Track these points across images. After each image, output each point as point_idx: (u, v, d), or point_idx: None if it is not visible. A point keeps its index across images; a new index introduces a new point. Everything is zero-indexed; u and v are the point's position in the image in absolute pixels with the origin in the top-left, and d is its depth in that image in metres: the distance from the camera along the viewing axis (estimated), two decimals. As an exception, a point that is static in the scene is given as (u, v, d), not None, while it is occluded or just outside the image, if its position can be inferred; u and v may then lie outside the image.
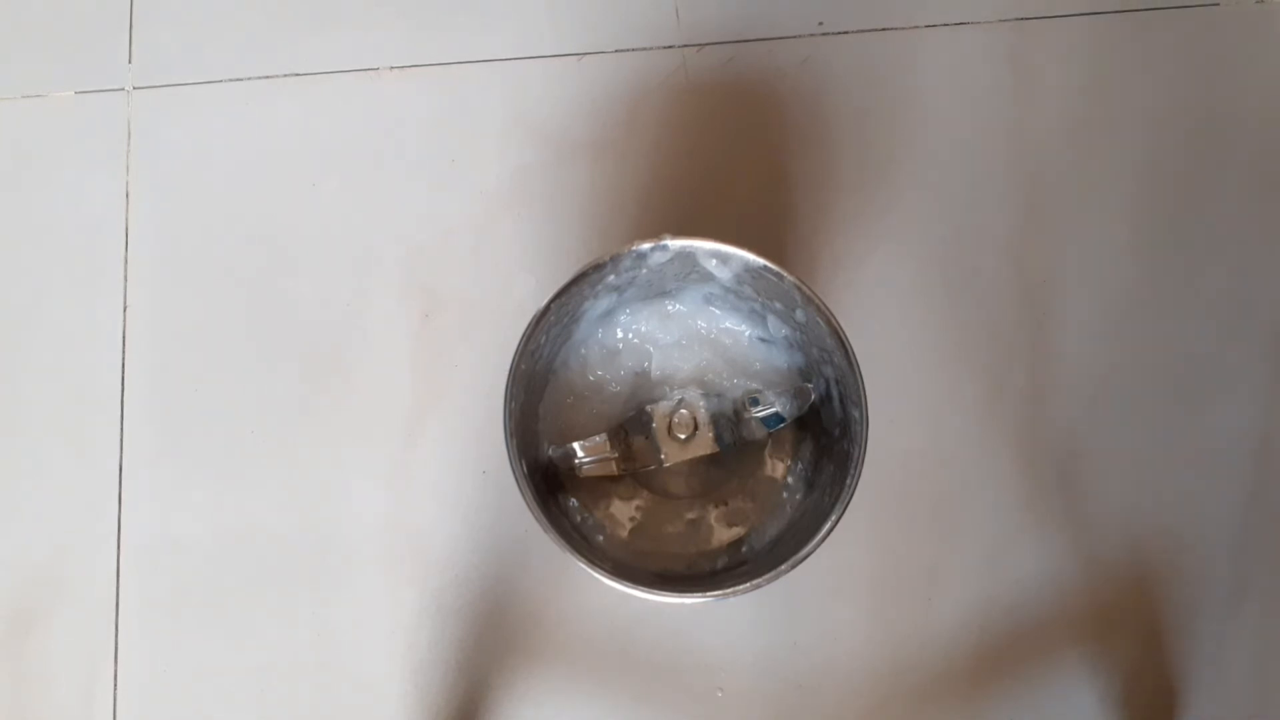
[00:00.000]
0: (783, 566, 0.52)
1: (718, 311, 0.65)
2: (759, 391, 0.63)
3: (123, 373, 0.72)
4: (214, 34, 0.77)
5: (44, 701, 0.68)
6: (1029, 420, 0.70)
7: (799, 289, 0.55)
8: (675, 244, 0.56)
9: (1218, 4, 0.76)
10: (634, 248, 0.56)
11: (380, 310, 0.72)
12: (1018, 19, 0.76)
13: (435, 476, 0.69)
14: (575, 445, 0.62)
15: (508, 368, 0.55)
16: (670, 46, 0.76)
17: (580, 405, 0.65)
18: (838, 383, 0.58)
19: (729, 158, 0.74)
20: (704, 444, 0.62)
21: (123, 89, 0.77)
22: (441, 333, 0.72)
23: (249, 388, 0.71)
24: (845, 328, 0.55)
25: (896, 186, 0.73)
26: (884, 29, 0.76)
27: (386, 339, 0.72)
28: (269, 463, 0.70)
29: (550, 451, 0.63)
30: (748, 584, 0.52)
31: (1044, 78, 0.75)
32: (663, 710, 0.66)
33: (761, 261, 0.56)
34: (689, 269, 0.59)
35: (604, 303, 0.62)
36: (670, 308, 0.65)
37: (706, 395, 0.63)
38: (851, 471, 0.54)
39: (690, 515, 0.64)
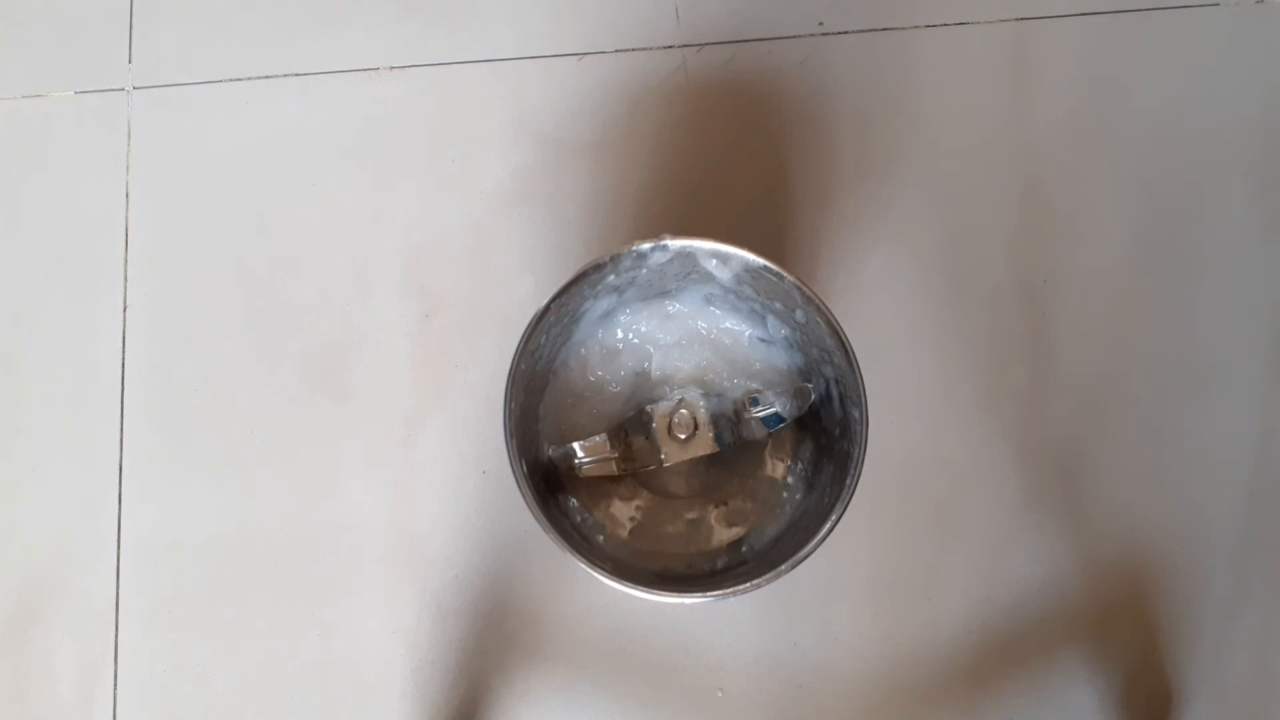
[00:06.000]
0: (783, 566, 0.52)
1: (718, 311, 0.65)
2: (759, 391, 0.63)
3: (123, 373, 0.72)
4: (214, 34, 0.77)
5: (44, 701, 0.68)
6: (1029, 420, 0.70)
7: (799, 289, 0.55)
8: (675, 244, 0.56)
9: (1218, 4, 0.76)
10: (634, 248, 0.56)
11: (380, 310, 0.72)
12: (1018, 19, 0.76)
13: (435, 476, 0.69)
14: (575, 445, 0.62)
15: (508, 368, 0.55)
16: (670, 46, 0.76)
17: (580, 405, 0.65)
18: (838, 383, 0.58)
19: (729, 158, 0.74)
20: (704, 444, 0.62)
21: (123, 89, 0.77)
22: (441, 333, 0.72)
23: (249, 388, 0.71)
24: (845, 328, 0.55)
25: (896, 186, 0.73)
26: (884, 29, 0.76)
27: (386, 339, 0.72)
28: (269, 463, 0.70)
29: (550, 451, 0.63)
30: (748, 584, 0.52)
31: (1044, 78, 0.75)
32: (663, 710, 0.66)
33: (761, 261, 0.56)
34: (689, 269, 0.59)
35: (604, 303, 0.62)
36: (670, 308, 0.65)
37: (706, 395, 0.63)
38: (851, 471, 0.54)
39: (690, 515, 0.64)
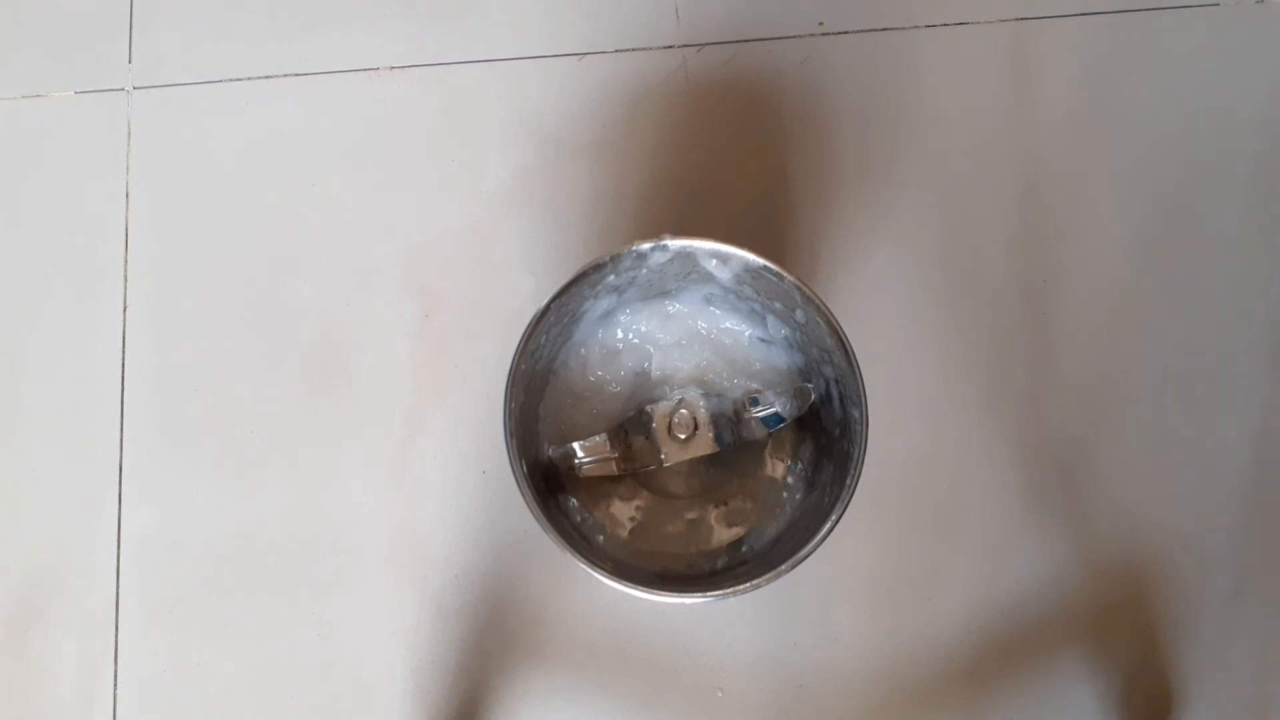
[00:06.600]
0: (783, 566, 0.52)
1: (718, 311, 0.65)
2: (759, 391, 0.63)
3: (123, 373, 0.72)
4: (214, 34, 0.77)
5: (44, 701, 0.68)
6: (1029, 420, 0.70)
7: (799, 289, 0.55)
8: (675, 244, 0.56)
9: (1218, 4, 0.76)
10: (634, 248, 0.56)
11: (380, 310, 0.72)
12: (1018, 19, 0.76)
13: (435, 476, 0.69)
14: (575, 445, 0.62)
15: (508, 368, 0.55)
16: (670, 46, 0.76)
17: (580, 405, 0.65)
18: (838, 383, 0.58)
19: (729, 158, 0.74)
20: (704, 444, 0.62)
21: (123, 89, 0.77)
22: (441, 333, 0.72)
23: (249, 387, 0.71)
24: (845, 328, 0.55)
25: (897, 186, 0.73)
26: (884, 29, 0.76)
27: (386, 339, 0.72)
28: (269, 463, 0.70)
29: (550, 451, 0.63)
30: (748, 584, 0.52)
31: (1044, 78, 0.75)
32: (663, 710, 0.66)
33: (761, 261, 0.56)
34: (689, 269, 0.59)
35: (604, 303, 0.62)
36: (670, 308, 0.65)
37: (706, 395, 0.63)
38: (851, 471, 0.54)
39: (690, 515, 0.64)
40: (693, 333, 0.65)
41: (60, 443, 0.71)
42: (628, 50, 0.76)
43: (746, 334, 0.65)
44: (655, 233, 0.56)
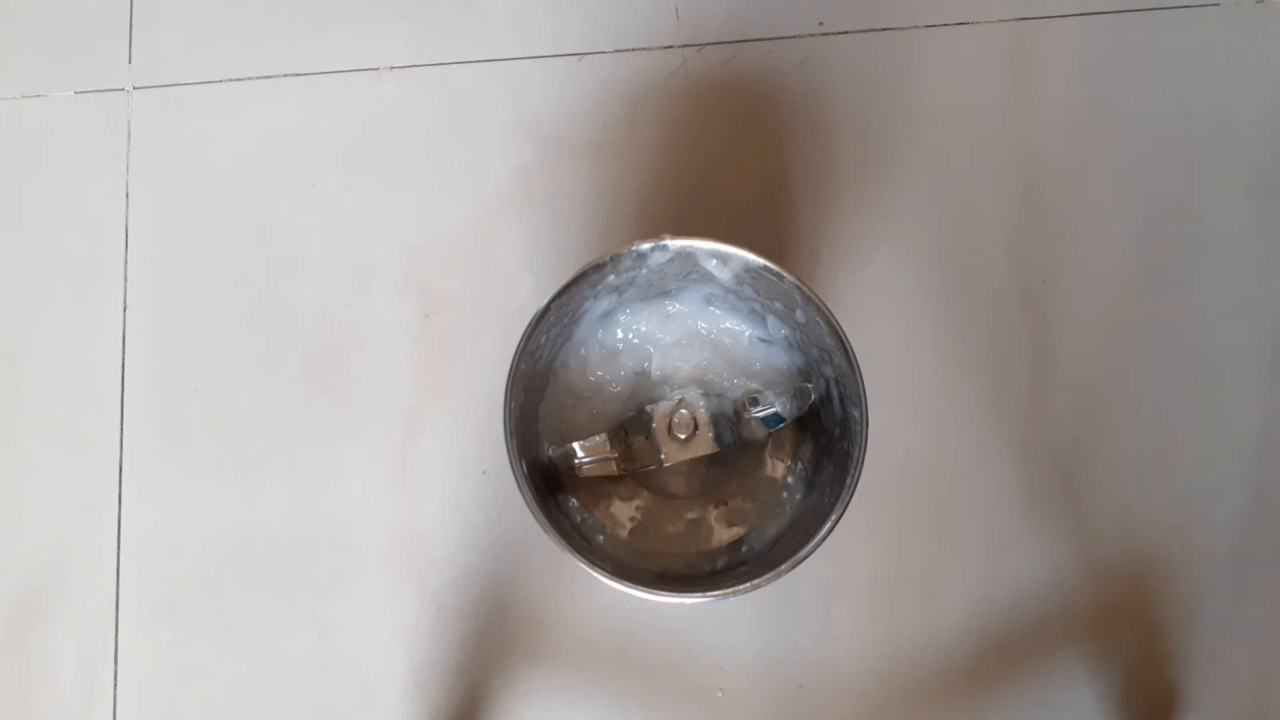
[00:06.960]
0: (783, 566, 0.52)
1: (718, 311, 0.65)
2: (759, 391, 0.63)
3: (123, 373, 0.72)
4: (214, 34, 0.77)
5: (44, 701, 0.68)
6: (1029, 420, 0.70)
7: (799, 289, 0.55)
8: (675, 244, 0.56)
9: (1218, 4, 0.76)
10: (634, 248, 0.56)
11: (380, 310, 0.72)
12: (1018, 19, 0.76)
13: (435, 476, 0.69)
14: (575, 445, 0.62)
15: (508, 368, 0.55)
16: (670, 46, 0.76)
17: (580, 405, 0.65)
18: (838, 383, 0.58)
19: (729, 158, 0.74)
20: (704, 444, 0.62)
21: (123, 89, 0.77)
22: (441, 333, 0.72)
23: (249, 388, 0.71)
24: (845, 328, 0.55)
25: (896, 186, 0.73)
26: (884, 29, 0.76)
27: (386, 339, 0.72)
28: (269, 463, 0.70)
29: (550, 451, 0.63)
30: (748, 584, 0.52)
31: (1044, 78, 0.75)
32: (663, 710, 0.66)
33: (761, 261, 0.56)
34: (689, 269, 0.59)
35: (604, 303, 0.62)
36: (670, 308, 0.65)
37: (706, 395, 0.63)
38: (851, 471, 0.54)
39: (690, 515, 0.64)
40: (693, 333, 0.65)
41: (60, 443, 0.71)
42: (628, 50, 0.76)
43: (746, 334, 0.65)
44: (655, 233, 0.56)
